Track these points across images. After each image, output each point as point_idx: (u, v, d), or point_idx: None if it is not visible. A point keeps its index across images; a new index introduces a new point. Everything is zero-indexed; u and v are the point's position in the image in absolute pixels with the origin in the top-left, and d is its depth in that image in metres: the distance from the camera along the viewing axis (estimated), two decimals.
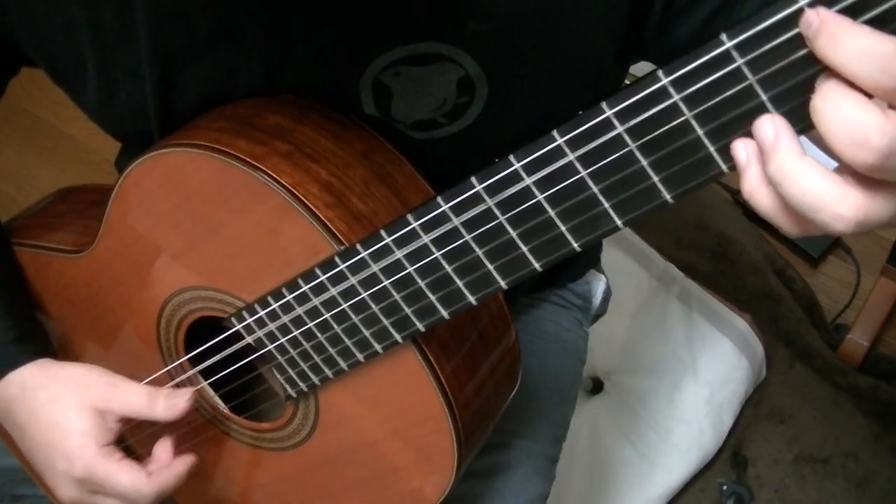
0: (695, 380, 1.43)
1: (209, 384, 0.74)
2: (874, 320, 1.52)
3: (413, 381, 0.60)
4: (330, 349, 0.61)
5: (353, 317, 0.58)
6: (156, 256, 0.67)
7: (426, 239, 0.51)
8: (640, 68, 0.66)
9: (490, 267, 0.50)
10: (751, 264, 1.56)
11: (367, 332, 0.58)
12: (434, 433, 0.62)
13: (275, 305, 0.61)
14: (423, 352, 0.59)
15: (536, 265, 0.49)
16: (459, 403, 0.61)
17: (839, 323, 1.57)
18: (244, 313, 0.63)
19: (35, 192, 1.82)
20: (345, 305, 0.57)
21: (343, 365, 0.61)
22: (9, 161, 1.96)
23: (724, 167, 0.40)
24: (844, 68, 0.34)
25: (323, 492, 0.73)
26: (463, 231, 0.49)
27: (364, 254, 0.54)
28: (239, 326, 0.64)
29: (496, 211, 0.47)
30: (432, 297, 0.54)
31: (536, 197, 0.46)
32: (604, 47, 0.62)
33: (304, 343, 0.62)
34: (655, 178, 0.42)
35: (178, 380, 0.74)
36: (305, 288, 0.58)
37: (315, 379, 0.64)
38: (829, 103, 0.35)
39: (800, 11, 0.35)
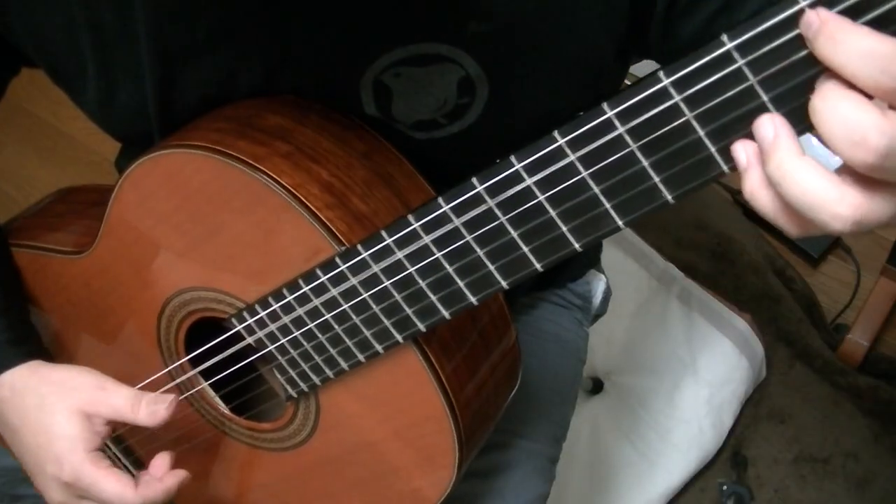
0: (695, 380, 1.43)
1: (210, 385, 0.74)
2: (874, 320, 1.52)
3: (414, 381, 0.60)
4: (331, 350, 0.61)
5: (354, 317, 0.58)
6: (156, 257, 0.67)
7: (427, 239, 0.51)
8: (641, 68, 0.67)
9: (491, 267, 0.50)
10: (751, 264, 1.56)
11: (367, 333, 0.58)
12: (435, 433, 0.62)
13: (275, 306, 0.61)
14: (423, 352, 0.59)
15: (537, 265, 0.49)
16: (460, 403, 0.61)
17: (839, 323, 1.57)
18: (245, 314, 0.63)
19: (35, 192, 1.81)
20: (346, 306, 0.57)
21: (344, 365, 0.61)
22: (9, 161, 1.96)
23: (725, 168, 0.40)
24: (844, 69, 0.34)
25: (323, 492, 0.73)
26: (464, 231, 0.49)
27: (365, 254, 0.54)
28: (240, 327, 0.64)
29: (497, 211, 0.47)
30: (433, 298, 0.54)
31: (538, 197, 0.46)
32: (604, 47, 0.62)
33: (305, 343, 0.62)
34: (656, 179, 0.42)
35: (178, 380, 0.74)
36: (306, 289, 0.58)
37: (316, 379, 0.64)
38: (828, 103, 0.35)
39: (801, 12, 0.35)
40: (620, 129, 0.41)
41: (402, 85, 0.61)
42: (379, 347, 0.58)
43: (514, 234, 0.48)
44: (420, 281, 0.53)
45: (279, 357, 0.64)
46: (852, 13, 0.34)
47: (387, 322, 0.57)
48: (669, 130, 0.40)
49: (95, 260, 0.72)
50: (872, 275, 1.57)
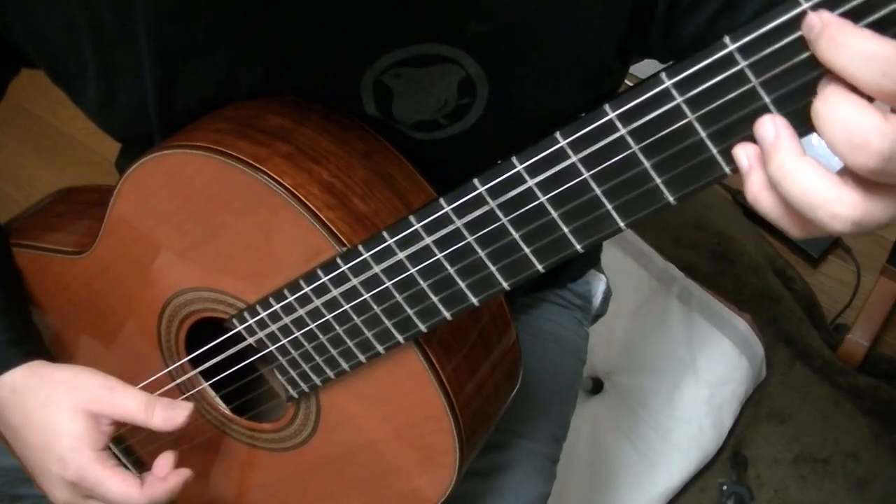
0: (695, 380, 1.43)
1: (210, 385, 0.74)
2: (874, 320, 1.52)
3: (414, 381, 0.60)
4: (332, 350, 0.61)
5: (355, 318, 0.58)
6: (157, 257, 0.67)
7: (428, 240, 0.51)
8: (642, 69, 0.67)
9: (492, 268, 0.50)
10: (751, 264, 1.56)
11: (368, 334, 0.58)
12: (435, 433, 0.62)
13: (276, 306, 0.61)
14: (424, 352, 0.59)
15: (539, 267, 0.49)
16: (460, 403, 0.61)
17: (839, 323, 1.58)
18: (246, 314, 0.63)
19: (35, 192, 1.81)
20: (347, 307, 0.57)
21: (345, 366, 0.61)
22: (9, 161, 1.96)
23: (726, 169, 0.40)
24: (846, 71, 0.34)
25: (324, 492, 0.73)
26: (465, 233, 0.49)
27: (366, 255, 0.54)
28: (240, 328, 0.64)
29: (499, 213, 0.47)
30: (434, 299, 0.54)
31: (539, 199, 0.46)
32: (604, 47, 0.62)
33: (306, 344, 0.61)
34: (658, 181, 0.42)
35: (178, 381, 0.74)
36: (307, 289, 0.58)
37: (317, 380, 0.64)
38: (830, 107, 0.35)
39: (803, 14, 0.35)
40: (622, 131, 0.41)
41: (402, 85, 0.61)
42: (380, 348, 0.58)
43: (515, 235, 0.48)
44: (421, 282, 0.53)
45: (280, 357, 0.64)
46: (854, 16, 0.34)
47: (388, 323, 0.57)
48: (671, 132, 0.40)
49: (96, 260, 0.72)
50: (872, 275, 1.57)
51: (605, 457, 1.38)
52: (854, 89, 0.35)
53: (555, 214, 0.46)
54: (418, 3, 0.58)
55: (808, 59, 0.36)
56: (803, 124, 0.37)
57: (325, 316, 0.59)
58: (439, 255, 0.51)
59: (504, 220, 0.48)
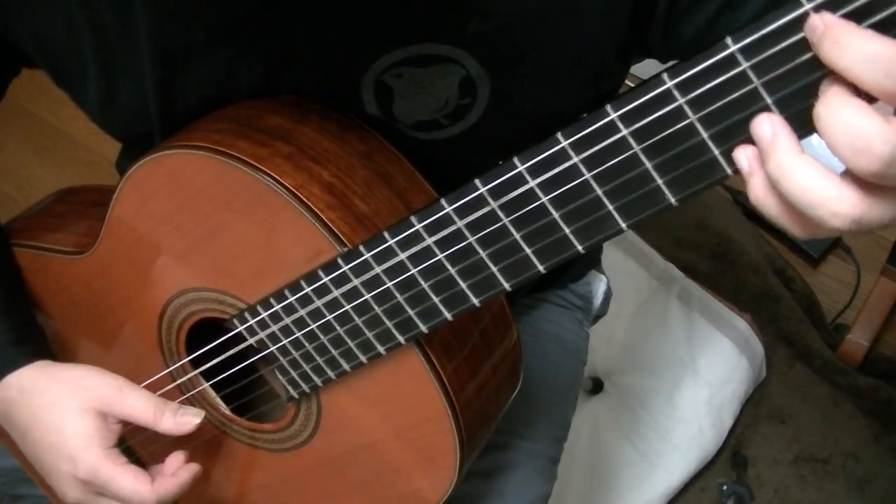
0: (695, 380, 1.43)
1: (211, 386, 0.74)
2: (874, 320, 1.52)
3: (415, 382, 0.60)
4: (332, 351, 0.61)
5: (356, 319, 0.57)
6: (157, 257, 0.67)
7: (430, 241, 0.51)
8: (643, 69, 0.67)
9: (494, 269, 0.50)
10: (751, 264, 1.56)
11: (369, 334, 0.58)
12: (436, 434, 0.62)
13: (277, 307, 0.61)
14: (425, 352, 0.59)
15: (540, 267, 0.49)
16: (461, 404, 0.61)
17: (839, 323, 1.58)
18: (246, 315, 0.63)
19: (35, 192, 1.82)
20: (347, 307, 0.57)
21: (345, 366, 0.61)
22: (9, 161, 1.96)
23: (728, 171, 0.40)
24: (849, 72, 0.34)
25: (324, 493, 0.73)
26: (467, 233, 0.49)
27: (367, 255, 0.54)
28: (241, 328, 0.64)
29: (500, 213, 0.47)
30: (435, 300, 0.54)
31: (541, 199, 0.46)
32: (604, 47, 0.62)
33: (307, 345, 0.61)
34: (660, 181, 0.42)
35: (179, 381, 0.74)
36: (308, 290, 0.58)
37: (317, 380, 0.64)
38: (831, 110, 0.35)
39: (805, 15, 0.35)
40: (624, 132, 0.41)
41: (403, 85, 0.61)
42: (381, 349, 0.58)
43: (516, 235, 0.48)
44: (422, 282, 0.53)
45: (281, 358, 0.64)
46: (856, 17, 0.34)
47: (389, 323, 0.57)
48: (673, 133, 0.40)
49: (96, 260, 0.72)
50: (872, 275, 1.57)
51: (605, 457, 1.38)
52: (856, 91, 0.35)
53: (556, 215, 0.46)
54: (418, 3, 0.58)
55: (811, 60, 0.36)
56: (805, 125, 0.37)
57: (326, 316, 0.59)
58: (440, 256, 0.51)
59: (505, 220, 0.48)
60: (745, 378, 1.44)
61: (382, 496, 0.70)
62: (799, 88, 0.37)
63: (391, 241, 0.52)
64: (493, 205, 0.47)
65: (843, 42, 0.34)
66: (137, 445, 0.78)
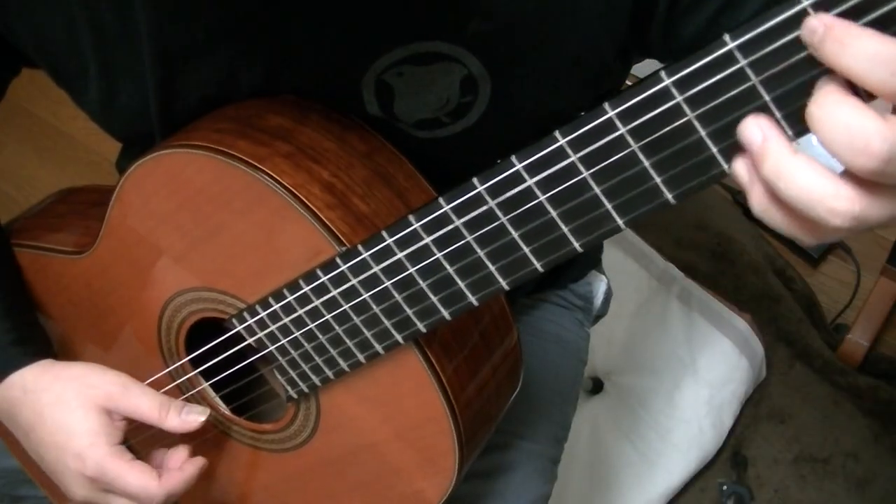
0: (695, 380, 1.43)
1: (210, 385, 0.74)
2: (874, 320, 1.52)
3: (415, 382, 0.60)
4: (331, 350, 0.61)
5: (355, 318, 0.57)
6: (157, 257, 0.67)
7: (428, 240, 0.51)
8: (642, 69, 0.67)
9: (492, 268, 0.50)
10: (751, 264, 1.56)
11: (368, 333, 0.58)
12: (436, 434, 0.62)
13: (276, 306, 0.61)
14: (424, 353, 0.59)
15: (538, 266, 0.49)
16: (461, 404, 0.61)
17: (839, 323, 1.57)
18: (245, 314, 0.63)
19: (35, 193, 1.82)
20: (346, 306, 0.57)
21: (344, 366, 0.61)
22: (9, 161, 1.96)
23: (726, 168, 0.40)
24: (852, 73, 0.34)
25: (324, 493, 0.73)
26: (464, 232, 0.49)
27: (365, 255, 0.54)
28: (240, 327, 0.64)
29: (498, 212, 0.47)
30: (433, 298, 0.54)
31: (538, 198, 0.46)
32: (605, 47, 0.62)
33: (306, 344, 0.61)
34: (658, 179, 0.42)
35: (178, 381, 0.74)
36: (307, 289, 0.58)
37: (316, 380, 0.64)
38: (826, 109, 0.35)
39: (803, 12, 0.35)
40: (622, 130, 0.41)
41: (404, 84, 0.61)
42: (379, 348, 0.58)
43: (514, 234, 0.48)
44: (420, 281, 0.53)
45: (280, 357, 0.64)
46: (854, 14, 0.34)
47: (387, 322, 0.57)
48: (671, 131, 0.40)
49: (96, 260, 0.72)
50: (872, 275, 1.57)
51: (605, 457, 1.38)
52: (850, 89, 0.35)
53: (554, 213, 0.46)
54: (419, 2, 0.58)
55: (809, 57, 0.36)
56: (802, 122, 0.37)
57: (324, 316, 0.59)
58: (438, 255, 0.51)
59: (503, 219, 0.48)
60: (745, 378, 1.44)
61: (382, 497, 0.70)
62: (797, 86, 0.37)
63: (389, 240, 0.52)
64: (491, 203, 0.47)
65: (847, 42, 0.34)
66: (138, 445, 0.78)
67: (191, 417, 0.68)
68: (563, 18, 0.59)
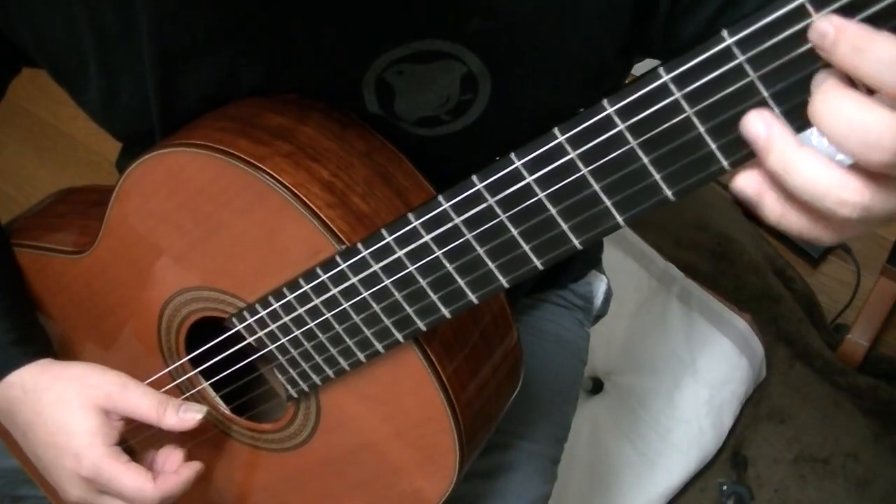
0: (695, 380, 1.43)
1: (210, 385, 0.74)
2: (874, 320, 1.51)
3: (415, 381, 0.60)
4: (331, 349, 0.61)
5: (355, 316, 0.57)
6: (157, 257, 0.67)
7: (427, 238, 0.51)
8: (643, 68, 0.66)
9: (491, 265, 0.50)
10: (751, 264, 1.56)
11: (368, 332, 0.58)
12: (436, 433, 0.62)
13: (276, 305, 0.61)
14: (424, 351, 0.59)
15: (538, 263, 0.49)
16: (461, 403, 0.61)
17: (839, 323, 1.57)
18: (245, 313, 0.63)
19: (35, 192, 1.82)
20: (346, 305, 0.57)
21: (344, 364, 0.61)
22: (9, 161, 1.96)
23: (725, 164, 0.40)
24: (867, 76, 0.34)
25: (324, 493, 0.73)
26: (464, 229, 0.49)
27: (365, 253, 0.54)
28: (240, 326, 0.64)
29: (497, 209, 0.47)
30: (433, 297, 0.54)
31: (538, 195, 0.46)
32: (604, 47, 0.62)
33: (306, 343, 0.61)
34: (657, 176, 0.42)
35: (178, 381, 0.74)
36: (307, 287, 0.58)
37: (316, 379, 0.64)
38: (831, 105, 0.35)
39: (801, 7, 0.35)
40: (621, 126, 0.41)
41: (404, 82, 0.61)
42: (379, 346, 0.58)
43: (514, 231, 0.48)
44: (420, 279, 0.53)
45: (279, 356, 0.64)
46: (850, 10, 0.34)
47: (387, 321, 0.57)
48: (670, 127, 0.40)
49: (96, 260, 0.72)
50: (872, 275, 1.56)
51: (605, 457, 1.38)
52: (851, 82, 0.35)
53: (553, 211, 0.46)
54: (419, 1, 0.58)
55: (807, 53, 0.36)
56: (801, 118, 0.37)
57: (324, 314, 0.59)
58: (438, 253, 0.51)
59: (503, 216, 0.48)
60: (745, 378, 1.44)
61: (382, 496, 0.70)
62: (796, 81, 0.37)
63: (389, 238, 0.52)
64: (491, 200, 0.47)
65: (862, 47, 0.33)
66: (137, 446, 0.78)
67: (188, 415, 0.68)
68: (563, 18, 0.59)
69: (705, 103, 0.39)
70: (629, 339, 1.48)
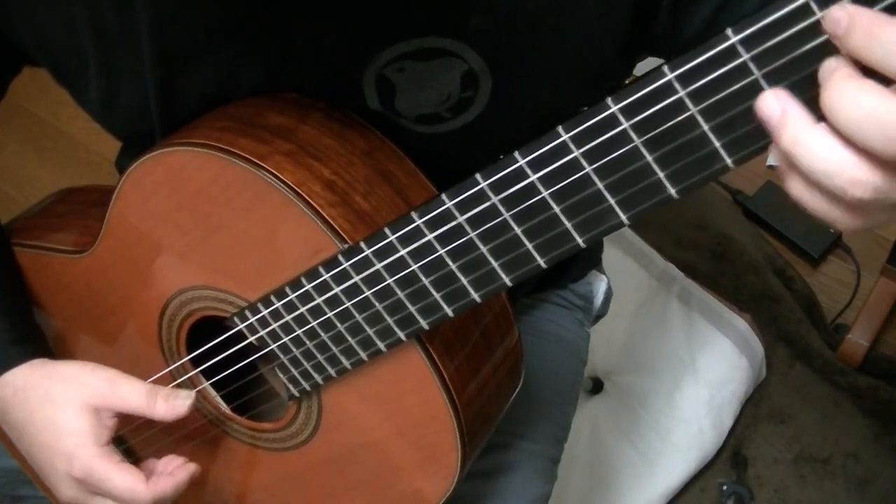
0: (695, 380, 1.43)
1: (211, 384, 0.73)
2: (874, 320, 1.51)
3: (417, 380, 0.60)
4: (333, 348, 0.61)
5: (357, 315, 0.57)
6: (157, 256, 0.67)
7: (430, 236, 0.51)
8: (643, 67, 0.66)
9: (494, 264, 0.50)
10: (751, 264, 1.56)
11: (370, 331, 0.58)
12: (437, 433, 0.62)
13: (277, 304, 0.61)
14: (426, 350, 0.59)
15: (541, 261, 0.49)
16: (463, 402, 0.61)
17: (839, 323, 1.57)
18: (247, 312, 0.63)
19: (35, 192, 1.82)
20: (348, 304, 0.57)
21: (346, 363, 0.61)
22: (9, 161, 1.96)
23: (729, 162, 0.40)
24: (881, 64, 0.33)
25: (325, 492, 0.73)
26: (467, 228, 0.49)
27: (368, 251, 0.54)
28: (241, 326, 0.64)
29: (501, 208, 0.47)
30: (436, 295, 0.54)
31: (541, 193, 0.46)
32: (605, 47, 0.62)
33: (307, 342, 0.61)
34: (661, 174, 0.42)
35: (179, 380, 0.74)
36: (308, 286, 0.58)
37: (318, 378, 0.64)
38: (848, 97, 0.34)
39: (806, 6, 0.35)
40: (625, 124, 0.41)
41: (405, 79, 0.61)
42: (381, 345, 0.58)
43: (517, 230, 0.48)
44: (423, 278, 0.53)
45: (281, 356, 0.64)
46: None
47: (389, 320, 0.56)
48: (674, 125, 0.40)
49: (97, 259, 0.72)
50: (872, 275, 1.56)
51: (605, 457, 1.38)
52: (864, 74, 0.34)
53: (557, 209, 0.46)
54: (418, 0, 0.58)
55: (812, 51, 0.36)
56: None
57: (326, 313, 0.59)
58: (441, 252, 0.51)
59: (506, 215, 0.47)
60: (745, 378, 1.44)
61: (383, 496, 0.70)
62: (801, 79, 0.36)
63: (392, 237, 0.52)
64: (494, 199, 0.47)
65: (876, 34, 0.33)
66: (138, 446, 0.78)
67: (178, 402, 0.67)
68: (564, 17, 0.59)
69: (710, 101, 0.39)
70: (629, 339, 1.48)
